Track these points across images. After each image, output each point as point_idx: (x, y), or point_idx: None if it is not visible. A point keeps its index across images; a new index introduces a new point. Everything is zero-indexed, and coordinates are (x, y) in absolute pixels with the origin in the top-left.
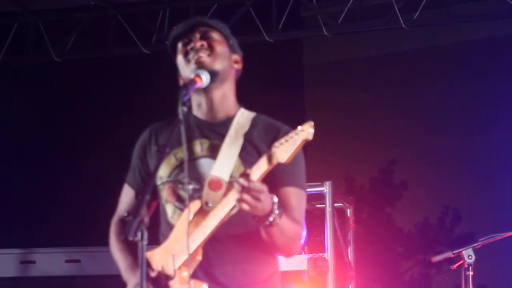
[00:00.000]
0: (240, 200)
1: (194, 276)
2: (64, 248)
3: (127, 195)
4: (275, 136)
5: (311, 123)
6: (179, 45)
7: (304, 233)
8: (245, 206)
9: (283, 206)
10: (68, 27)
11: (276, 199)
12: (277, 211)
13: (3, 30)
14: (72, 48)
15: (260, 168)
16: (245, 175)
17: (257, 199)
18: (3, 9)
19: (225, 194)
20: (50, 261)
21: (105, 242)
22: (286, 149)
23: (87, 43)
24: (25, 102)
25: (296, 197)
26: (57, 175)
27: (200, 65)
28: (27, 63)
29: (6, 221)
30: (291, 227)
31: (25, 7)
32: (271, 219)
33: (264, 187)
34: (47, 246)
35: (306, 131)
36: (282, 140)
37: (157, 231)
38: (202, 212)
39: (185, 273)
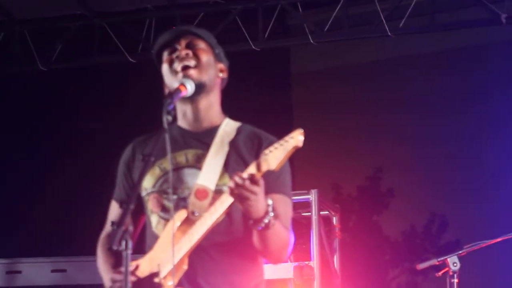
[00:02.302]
0: (232, 193)
1: (179, 285)
2: (50, 257)
3: (114, 211)
4: (258, 145)
5: (301, 131)
6: (165, 53)
7: (292, 240)
8: (237, 199)
9: None
10: (54, 36)
11: (270, 202)
12: (272, 213)
13: None
14: (58, 57)
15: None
16: (239, 175)
17: (247, 198)
18: None
19: (211, 203)
20: (36, 271)
21: (91, 252)
22: (275, 156)
23: (73, 52)
24: (10, 112)
25: (283, 204)
26: (43, 184)
27: (186, 77)
28: (13, 73)
29: None
30: (283, 232)
31: (11, 16)
32: (266, 221)
33: (258, 189)
34: (33, 256)
35: (295, 138)
36: (272, 148)
37: (144, 243)
38: (188, 222)
39: (171, 282)
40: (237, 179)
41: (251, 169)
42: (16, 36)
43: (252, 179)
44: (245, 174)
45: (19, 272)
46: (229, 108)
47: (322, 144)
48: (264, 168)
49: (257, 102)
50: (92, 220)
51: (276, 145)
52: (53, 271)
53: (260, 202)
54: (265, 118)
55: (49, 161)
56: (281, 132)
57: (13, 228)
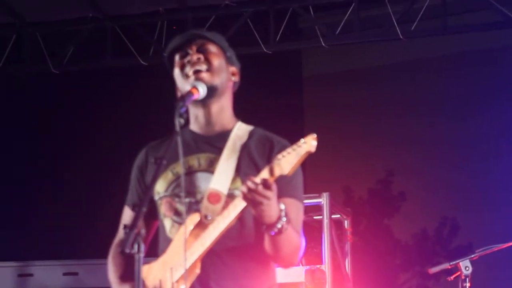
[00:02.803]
0: (245, 198)
1: None
2: (62, 260)
3: (126, 216)
4: (270, 148)
5: (314, 136)
6: (176, 57)
7: (303, 245)
8: (250, 203)
9: None
10: (66, 38)
11: (283, 206)
12: (284, 218)
13: (1, 42)
14: (70, 59)
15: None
16: (252, 180)
17: (260, 203)
18: (1, 20)
19: (224, 207)
20: (48, 274)
21: (103, 255)
22: (288, 161)
23: (85, 55)
24: (22, 114)
25: (294, 208)
26: (55, 187)
27: (198, 80)
28: (25, 75)
29: (3, 234)
30: (295, 236)
31: (23, 19)
32: (279, 225)
33: (271, 194)
34: (44, 259)
35: (309, 143)
36: (285, 153)
37: (157, 247)
38: (201, 225)
39: (183, 286)
40: (249, 183)
41: (264, 173)
42: (28, 38)
43: (265, 183)
44: (257, 179)
45: (31, 275)
46: (239, 111)
47: (333, 147)
48: (277, 172)
49: (268, 106)
50: (104, 223)
51: (289, 149)
52: (64, 274)
53: (273, 207)
54: (276, 121)
55: (61, 164)
56: (292, 136)
57: (25, 230)
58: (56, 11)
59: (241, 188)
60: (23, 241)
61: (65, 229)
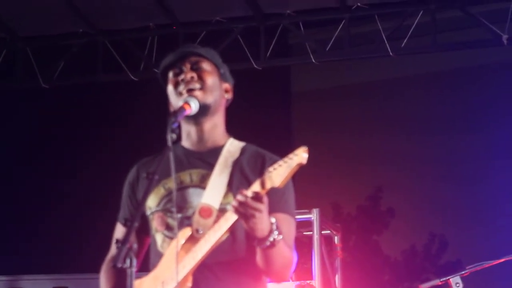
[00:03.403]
0: (237, 211)
1: None
2: (51, 275)
3: (118, 233)
4: (262, 164)
5: (305, 148)
6: (170, 74)
7: (295, 259)
8: (241, 217)
9: None
10: (57, 53)
11: (274, 220)
12: (276, 232)
13: None
14: (60, 74)
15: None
16: (243, 193)
17: (251, 216)
18: None
19: (215, 222)
20: None
21: (93, 269)
22: (279, 173)
23: (75, 70)
24: (13, 128)
25: (286, 223)
26: (44, 201)
27: (192, 97)
28: (15, 90)
29: None
30: (287, 251)
31: (14, 33)
32: (271, 239)
33: (262, 207)
34: (34, 273)
35: (300, 155)
36: (276, 165)
37: (149, 262)
38: (193, 239)
39: None
40: (240, 197)
41: (255, 186)
42: (19, 53)
43: (256, 196)
44: (249, 192)
45: None
46: (228, 127)
47: (322, 163)
48: (268, 185)
49: (257, 121)
50: (94, 238)
51: (280, 162)
52: None
53: (264, 220)
54: (264, 137)
55: (52, 179)
56: (280, 151)
57: (14, 245)
58: (47, 26)
59: (232, 202)
60: (13, 255)
61: (56, 244)
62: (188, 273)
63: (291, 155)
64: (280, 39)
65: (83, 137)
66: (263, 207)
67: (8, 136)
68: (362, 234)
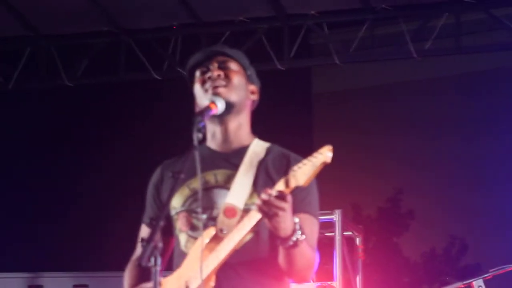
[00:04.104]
0: (260, 210)
1: None
2: (72, 272)
3: (144, 233)
4: (287, 165)
5: (330, 147)
6: (197, 73)
7: (317, 260)
8: (265, 216)
9: None
10: (81, 52)
11: (297, 220)
12: (299, 232)
13: (15, 54)
14: (84, 73)
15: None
16: (267, 192)
17: (275, 215)
18: (16, 33)
19: (239, 222)
20: (58, 286)
21: (113, 267)
22: (304, 172)
23: (99, 68)
24: (36, 126)
25: (309, 224)
26: (66, 200)
27: (216, 95)
28: (39, 88)
29: (14, 245)
30: (309, 251)
31: (38, 32)
32: (294, 239)
33: (287, 206)
34: (55, 270)
35: (324, 154)
36: (300, 164)
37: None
38: (217, 239)
39: None
40: (264, 195)
41: (280, 185)
42: (42, 51)
43: (280, 195)
44: (273, 191)
45: (41, 286)
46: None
47: (342, 164)
48: (293, 184)
49: (277, 122)
50: (115, 236)
51: (304, 161)
52: (75, 286)
53: (288, 219)
54: (285, 136)
55: (73, 177)
56: (301, 151)
57: (35, 242)
58: (71, 24)
59: (256, 201)
60: (34, 253)
61: (76, 242)
62: (211, 272)
63: (315, 154)
64: (303, 40)
65: (106, 136)
66: (287, 206)
67: (31, 134)
68: (382, 236)
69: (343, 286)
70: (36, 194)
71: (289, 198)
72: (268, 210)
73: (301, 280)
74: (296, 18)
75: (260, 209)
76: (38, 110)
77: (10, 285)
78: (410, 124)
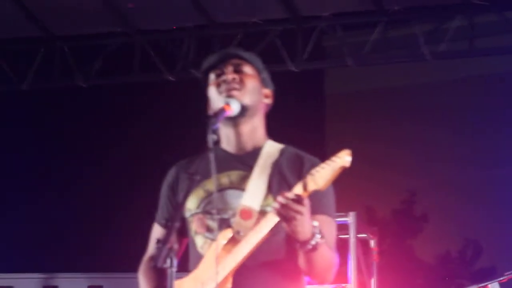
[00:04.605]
0: (279, 214)
1: None
2: (86, 273)
3: (156, 233)
4: (300, 166)
5: (349, 151)
6: (212, 76)
7: (337, 261)
8: (284, 220)
9: None
10: (94, 53)
11: (316, 223)
12: (319, 235)
13: (29, 55)
14: (98, 74)
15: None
16: (285, 196)
17: (293, 218)
18: (30, 34)
19: (256, 223)
20: (73, 286)
21: (128, 268)
22: (322, 176)
23: (113, 69)
24: (51, 127)
25: (327, 225)
26: (80, 200)
27: (232, 98)
28: (53, 88)
29: (29, 246)
30: (329, 253)
31: (52, 32)
32: (313, 242)
33: (304, 209)
34: (69, 271)
35: (343, 158)
36: (319, 168)
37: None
38: (233, 241)
39: None
40: (281, 199)
41: (298, 189)
42: (57, 52)
43: (298, 199)
44: (291, 194)
45: (56, 287)
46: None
47: (356, 166)
48: (311, 187)
49: (291, 123)
50: (129, 237)
51: (323, 165)
52: (89, 287)
53: (306, 223)
54: (298, 138)
55: (87, 176)
56: (313, 153)
57: (50, 243)
58: (85, 25)
59: (273, 204)
60: (49, 253)
61: (91, 242)
62: (228, 274)
63: (334, 158)
64: (316, 42)
65: (121, 135)
66: (305, 209)
67: (47, 136)
68: (396, 238)
69: None
70: (50, 195)
71: (307, 201)
72: (286, 214)
73: (322, 281)
74: (310, 20)
75: (278, 213)
76: (54, 112)
77: (25, 286)
78: (423, 126)
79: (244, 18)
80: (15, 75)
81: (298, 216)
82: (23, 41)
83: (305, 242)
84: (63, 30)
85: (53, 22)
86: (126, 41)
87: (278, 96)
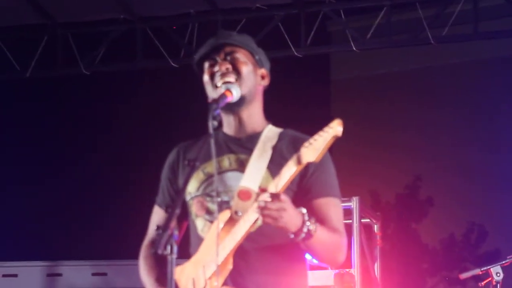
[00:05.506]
0: (263, 216)
1: (224, 285)
2: (90, 261)
3: (157, 216)
4: (299, 147)
5: (340, 121)
6: (205, 65)
7: (345, 241)
8: (269, 221)
9: (320, 217)
10: (97, 40)
11: (304, 210)
12: (308, 222)
13: (32, 43)
14: (101, 61)
15: (289, 169)
16: (264, 192)
17: (278, 217)
18: (33, 22)
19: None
20: (77, 274)
21: (132, 255)
22: (315, 147)
23: (116, 56)
24: (55, 114)
25: (332, 206)
26: (83, 188)
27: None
28: (57, 76)
29: (33, 234)
30: (330, 236)
31: (54, 20)
32: (305, 230)
33: (285, 205)
34: (73, 259)
35: (334, 128)
36: (311, 140)
37: (188, 248)
38: (232, 222)
39: (216, 283)
40: (260, 203)
41: (291, 163)
42: (59, 39)
43: (274, 197)
44: (265, 196)
45: (60, 274)
46: (267, 114)
47: (360, 151)
48: (304, 160)
49: (296, 107)
50: (133, 224)
51: (315, 137)
52: (93, 274)
53: (292, 215)
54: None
55: (90, 164)
56: None
57: (54, 231)
58: (88, 12)
59: (254, 214)
60: (52, 241)
61: (94, 230)
62: (229, 254)
63: (326, 129)
64: (319, 27)
65: (124, 122)
66: (286, 204)
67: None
68: (401, 223)
69: (361, 273)
70: (54, 182)
71: (283, 196)
72: (270, 215)
73: (332, 264)
74: (313, 5)
75: (264, 218)
76: (57, 99)
77: (29, 274)
78: (429, 110)
79: (247, 4)
80: (18, 63)
81: (283, 213)
82: (26, 28)
83: (297, 232)
84: (66, 18)
85: (56, 9)
86: (129, 28)
87: (283, 81)
